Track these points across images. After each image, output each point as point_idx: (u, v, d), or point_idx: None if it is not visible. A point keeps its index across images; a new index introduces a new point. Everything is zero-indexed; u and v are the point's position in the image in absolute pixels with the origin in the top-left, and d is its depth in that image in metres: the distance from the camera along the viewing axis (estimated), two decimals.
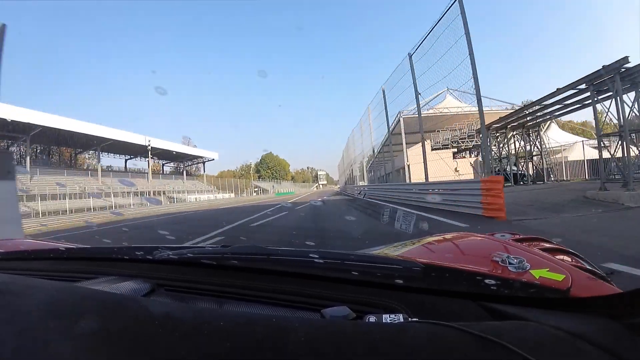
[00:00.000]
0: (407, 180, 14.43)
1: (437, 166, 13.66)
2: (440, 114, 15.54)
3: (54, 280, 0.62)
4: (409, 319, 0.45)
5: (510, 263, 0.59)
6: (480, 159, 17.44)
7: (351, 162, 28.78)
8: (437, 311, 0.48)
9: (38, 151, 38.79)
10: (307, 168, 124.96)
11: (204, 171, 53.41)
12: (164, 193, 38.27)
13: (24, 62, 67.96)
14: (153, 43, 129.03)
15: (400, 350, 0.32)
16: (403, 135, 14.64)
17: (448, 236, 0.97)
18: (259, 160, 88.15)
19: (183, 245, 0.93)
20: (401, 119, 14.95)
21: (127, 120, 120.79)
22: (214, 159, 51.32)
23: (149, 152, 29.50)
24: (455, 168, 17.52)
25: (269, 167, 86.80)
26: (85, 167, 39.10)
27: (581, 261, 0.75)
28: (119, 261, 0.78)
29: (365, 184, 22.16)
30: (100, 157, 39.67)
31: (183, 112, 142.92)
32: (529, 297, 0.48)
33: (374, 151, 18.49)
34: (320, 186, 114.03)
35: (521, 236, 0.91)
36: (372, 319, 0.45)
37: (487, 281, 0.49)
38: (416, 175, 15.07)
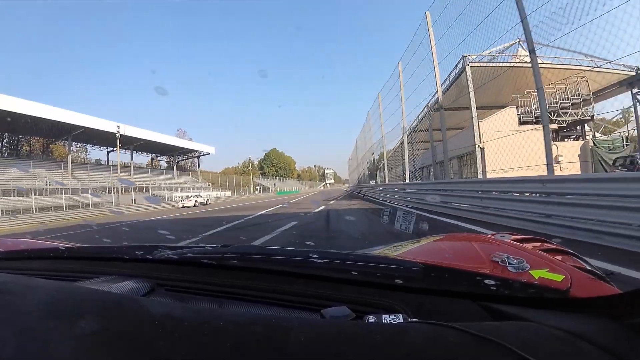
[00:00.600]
0: (480, 174, 8.09)
1: (526, 150, 7.38)
2: (525, 65, 8.98)
3: (54, 280, 0.61)
4: (409, 319, 0.45)
5: (510, 263, 0.58)
6: (592, 142, 10.81)
7: (371, 150, 18.96)
8: (437, 311, 0.48)
9: (4, 141, 33.92)
10: (314, 166, 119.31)
11: (199, 166, 48.07)
12: (146, 190, 32.85)
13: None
14: (153, 40, 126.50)
15: (400, 350, 0.32)
16: (471, 91, 8.20)
17: (448, 236, 0.99)
18: (262, 157, 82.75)
19: (183, 244, 0.83)
20: (467, 68, 8.52)
21: (126, 116, 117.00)
22: (209, 153, 46.03)
23: (118, 141, 24.11)
24: (556, 156, 10.19)
25: (273, 164, 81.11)
26: (74, 160, 34.06)
27: (581, 261, 0.74)
28: (119, 261, 0.78)
29: (405, 182, 11.95)
30: (87, 148, 34.83)
31: (186, 110, 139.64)
32: (529, 297, 0.48)
33: (426, 111, 9.90)
34: (328, 185, 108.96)
35: (521, 237, 0.89)
36: (372, 319, 0.45)
37: (487, 281, 0.49)
38: (495, 165, 8.51)
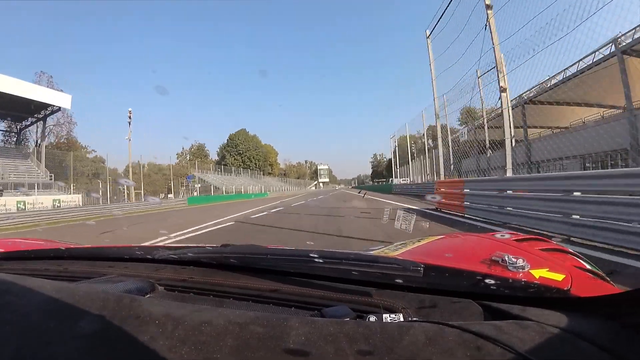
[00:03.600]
0: None
1: None
2: None
3: (54, 280, 0.61)
4: (409, 318, 0.45)
5: (510, 263, 0.58)
6: None
7: None
8: (437, 311, 0.48)
9: None
10: (305, 162, 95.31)
11: (40, 139, 24.03)
12: None
13: None
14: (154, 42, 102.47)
15: (400, 349, 0.32)
16: None
17: (448, 236, 0.98)
18: (226, 142, 58.33)
19: (182, 245, 0.86)
20: None
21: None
22: (59, 109, 21.92)
23: None
24: None
25: (239, 152, 56.57)
26: None
27: (581, 261, 0.74)
28: (119, 261, 0.78)
29: None
30: None
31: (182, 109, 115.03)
32: (529, 296, 0.48)
33: None
34: (321, 185, 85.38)
35: (521, 236, 0.89)
36: (373, 318, 0.45)
37: (487, 281, 0.49)
38: None
